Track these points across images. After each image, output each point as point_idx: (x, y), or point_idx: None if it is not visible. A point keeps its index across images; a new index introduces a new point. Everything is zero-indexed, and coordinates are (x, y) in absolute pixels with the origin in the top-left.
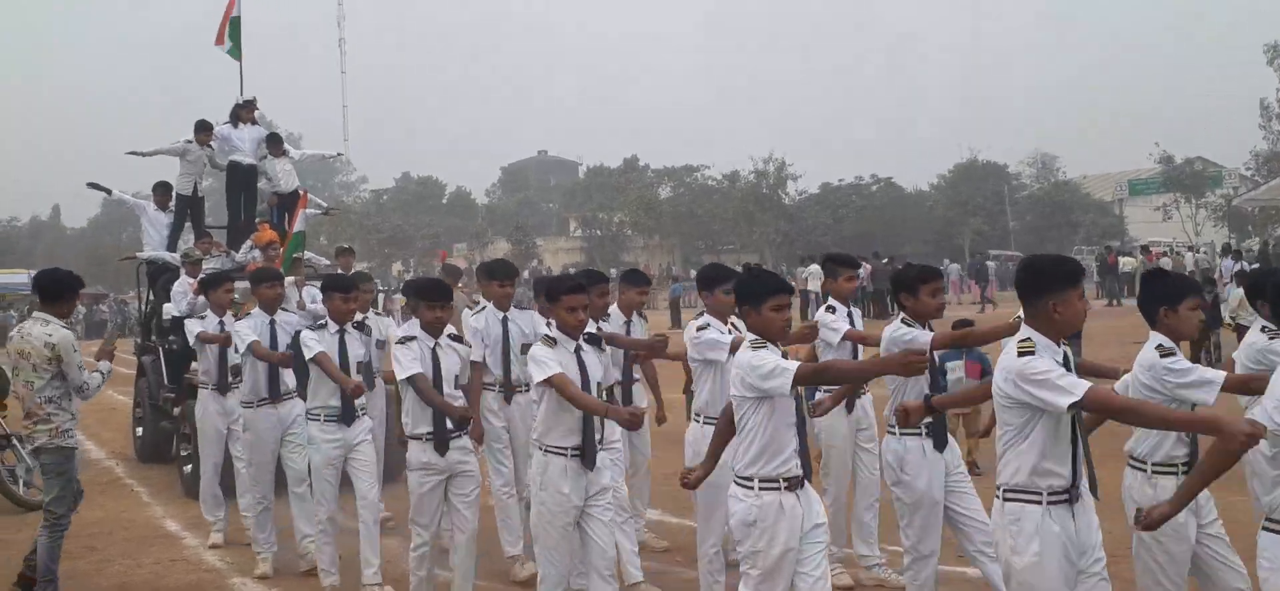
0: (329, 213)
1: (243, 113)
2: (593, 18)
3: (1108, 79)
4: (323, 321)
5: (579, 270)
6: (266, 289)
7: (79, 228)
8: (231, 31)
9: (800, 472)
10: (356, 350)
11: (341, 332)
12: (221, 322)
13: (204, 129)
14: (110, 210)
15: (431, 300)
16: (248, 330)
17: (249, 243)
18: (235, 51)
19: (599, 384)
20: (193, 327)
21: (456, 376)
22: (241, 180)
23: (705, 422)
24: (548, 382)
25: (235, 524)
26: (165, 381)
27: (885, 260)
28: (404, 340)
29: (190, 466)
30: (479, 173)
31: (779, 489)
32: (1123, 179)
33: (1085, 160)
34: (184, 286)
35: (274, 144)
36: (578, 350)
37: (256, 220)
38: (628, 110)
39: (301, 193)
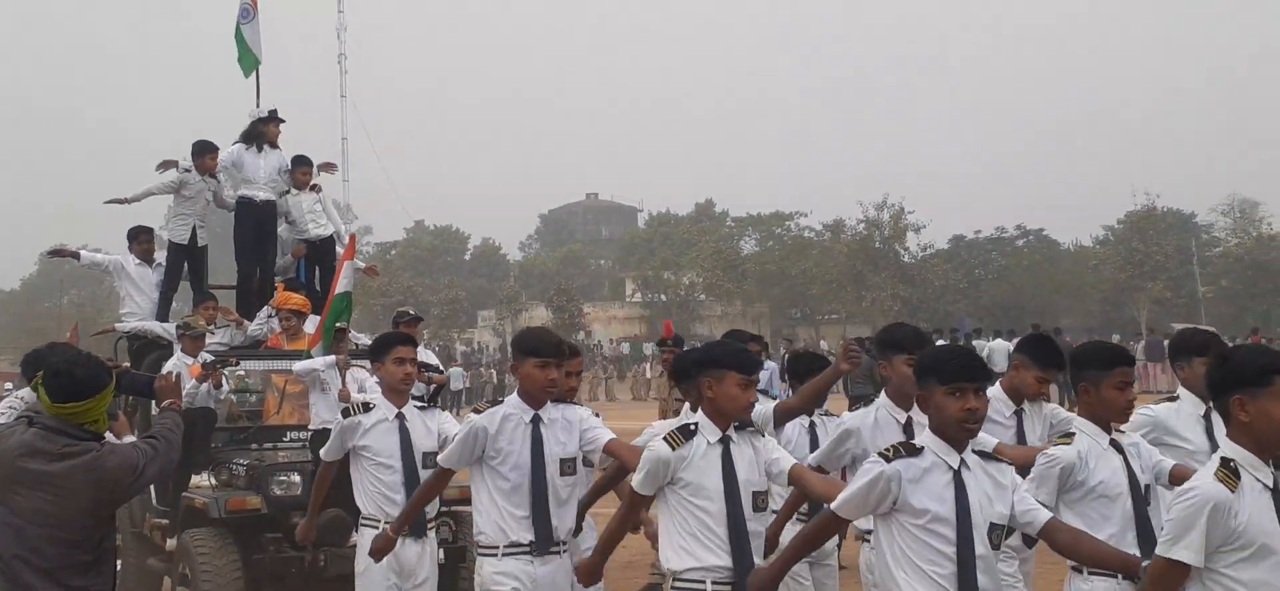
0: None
1: (267, 128)
2: (656, 22)
3: None
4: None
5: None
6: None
7: (9, 290)
8: (238, 39)
9: None
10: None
11: (537, 421)
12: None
13: (206, 151)
14: (49, 271)
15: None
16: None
17: (267, 309)
18: (246, 62)
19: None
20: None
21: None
22: (256, 222)
23: None
24: None
25: None
26: (154, 501)
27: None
28: None
29: None
30: (511, 221)
31: None
32: None
33: None
34: (179, 369)
35: (301, 169)
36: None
37: (274, 277)
38: (699, 144)
39: (348, 237)
